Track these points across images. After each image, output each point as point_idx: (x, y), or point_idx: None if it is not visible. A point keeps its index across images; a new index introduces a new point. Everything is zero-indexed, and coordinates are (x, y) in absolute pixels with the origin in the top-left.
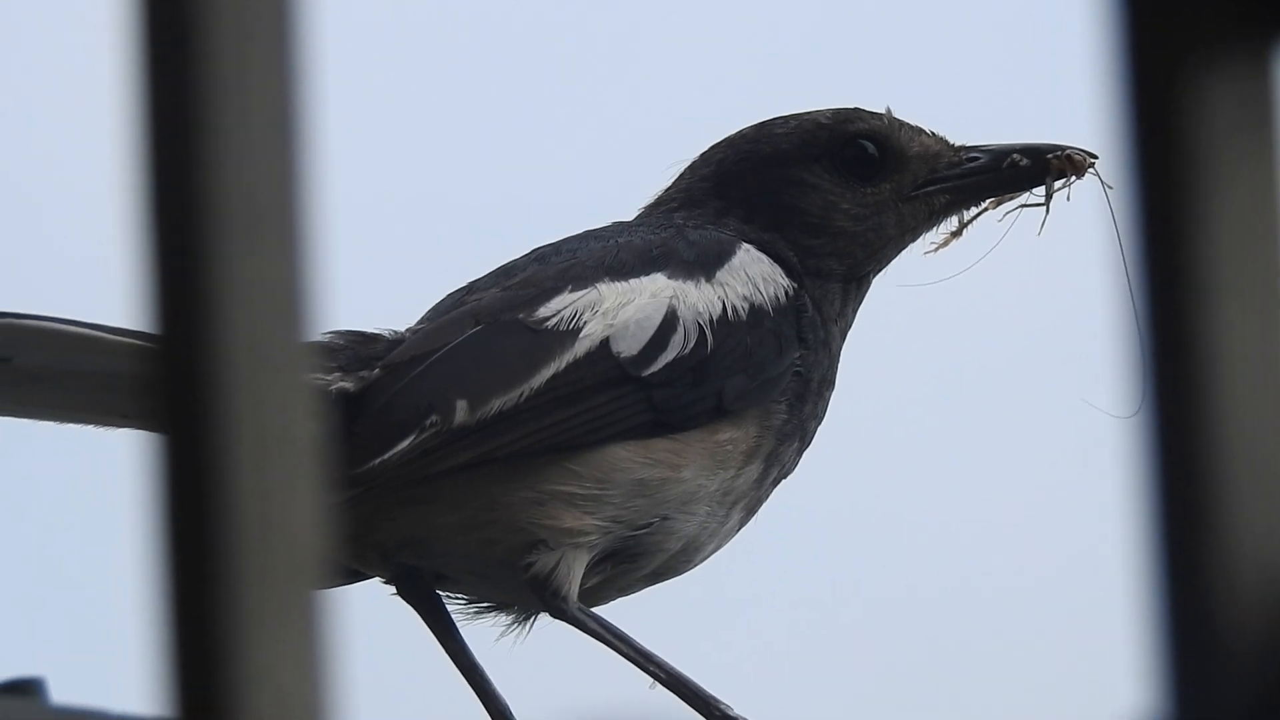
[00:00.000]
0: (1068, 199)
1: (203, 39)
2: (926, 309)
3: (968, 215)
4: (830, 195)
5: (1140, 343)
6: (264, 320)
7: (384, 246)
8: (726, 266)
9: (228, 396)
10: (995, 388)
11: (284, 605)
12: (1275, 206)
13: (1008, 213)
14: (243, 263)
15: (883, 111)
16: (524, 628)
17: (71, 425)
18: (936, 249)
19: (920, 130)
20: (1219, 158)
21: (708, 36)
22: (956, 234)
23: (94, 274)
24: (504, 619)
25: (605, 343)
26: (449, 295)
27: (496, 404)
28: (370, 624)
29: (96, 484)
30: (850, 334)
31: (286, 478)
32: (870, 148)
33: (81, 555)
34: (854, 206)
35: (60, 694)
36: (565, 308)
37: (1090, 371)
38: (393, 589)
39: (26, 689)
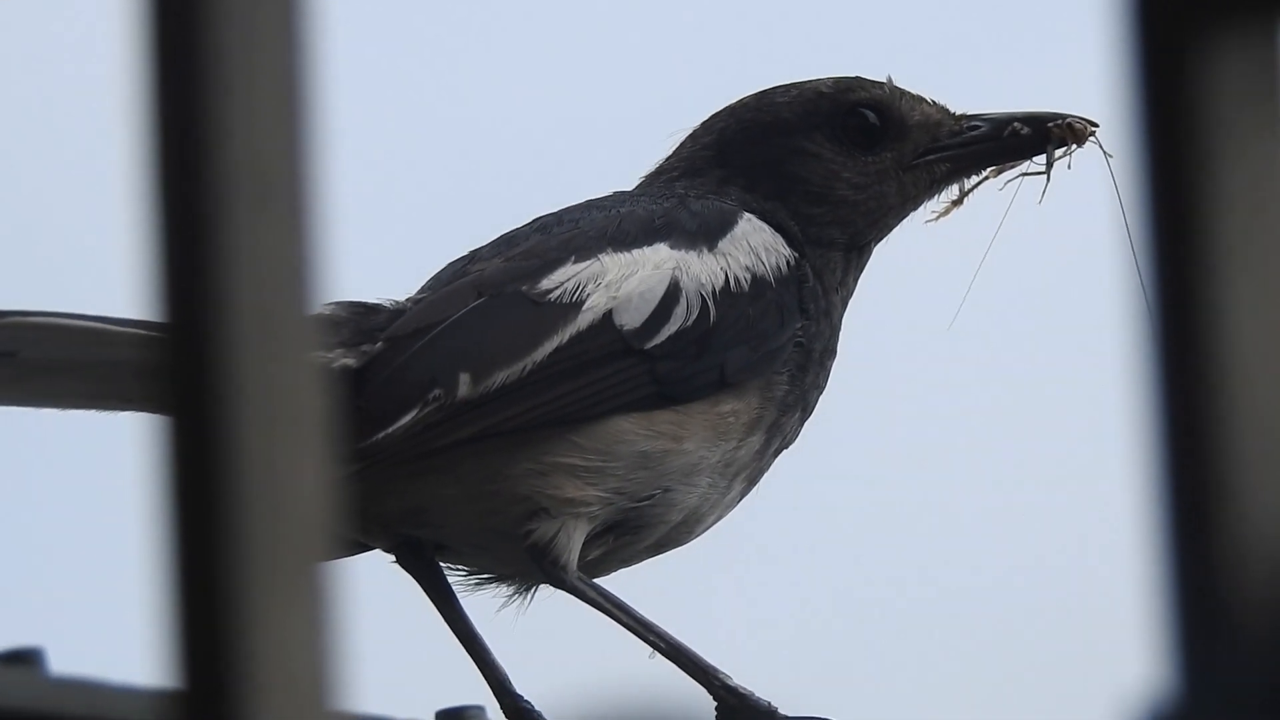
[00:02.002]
0: (1069, 167)
1: (209, 13)
2: (929, 280)
3: (969, 184)
4: (832, 164)
5: (1147, 315)
6: (271, 293)
7: (388, 216)
8: (729, 236)
9: (235, 370)
10: (1000, 366)
11: (291, 577)
12: None
13: (1008, 181)
14: (249, 235)
15: (884, 80)
16: (525, 599)
17: (74, 411)
18: (937, 218)
19: (921, 99)
20: (1227, 130)
21: (711, 3)
22: (958, 203)
23: (101, 255)
24: (505, 590)
25: (608, 315)
26: (450, 265)
27: (499, 377)
28: (375, 595)
29: (97, 455)
30: (852, 303)
31: (294, 450)
32: (871, 117)
33: (80, 526)
34: (855, 175)
35: (59, 664)
36: (568, 280)
37: (1098, 347)
38: (392, 558)
39: (25, 659)
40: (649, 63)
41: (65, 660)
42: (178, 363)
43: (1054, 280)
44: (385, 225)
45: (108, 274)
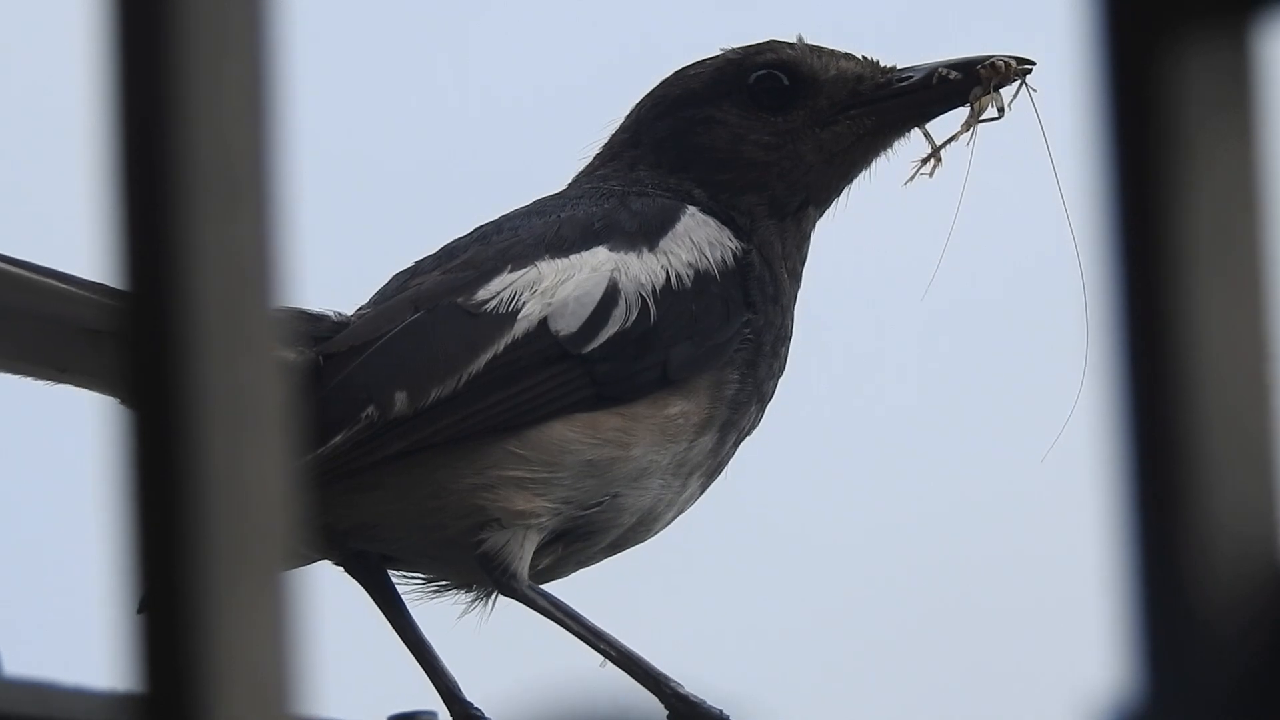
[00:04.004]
0: (1001, 112)
1: (176, 7)
2: (894, 266)
3: (936, 139)
4: (737, 128)
5: (1095, 304)
6: (237, 292)
7: (355, 216)
8: (670, 234)
9: (200, 369)
10: (962, 358)
11: (254, 579)
12: (1253, 184)
13: (972, 129)
14: (216, 234)
15: (795, 40)
16: (486, 606)
17: (6, 374)
18: (913, 176)
19: (839, 55)
20: (1197, 135)
21: None
22: (935, 159)
23: (65, 254)
24: (464, 597)
25: (544, 322)
26: (394, 277)
27: (435, 393)
28: (326, 599)
29: (50, 452)
30: (811, 282)
31: (258, 451)
32: (781, 78)
33: (34, 525)
34: (764, 136)
35: (12, 666)
36: (504, 289)
37: (1064, 339)
38: (340, 567)
39: None
40: (620, 58)
41: (18, 661)
42: (142, 361)
43: (1021, 269)
44: (351, 225)
45: (74, 258)
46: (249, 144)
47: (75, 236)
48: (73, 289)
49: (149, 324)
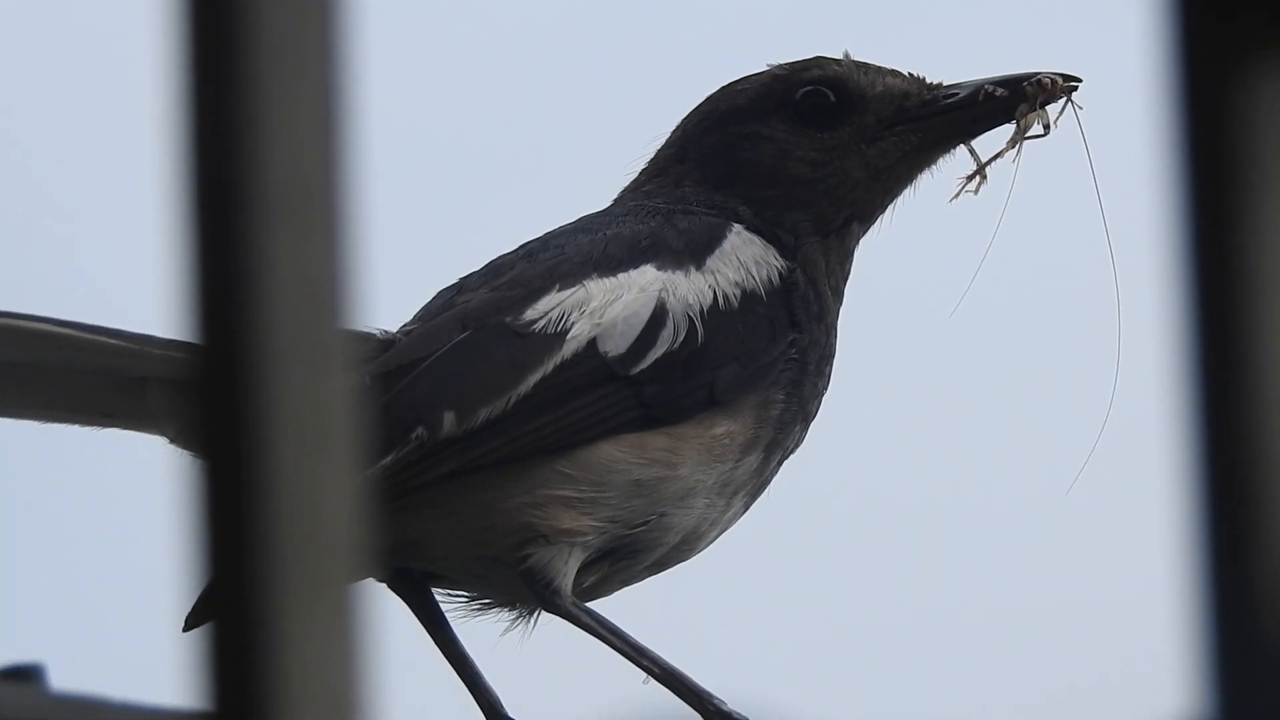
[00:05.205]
0: (1047, 128)
1: (248, 27)
2: (938, 284)
3: (984, 157)
4: (784, 144)
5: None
6: (308, 310)
7: (421, 234)
8: (717, 252)
9: (271, 387)
10: (1028, 372)
11: (324, 596)
12: None
13: (1017, 146)
14: (287, 252)
15: (842, 56)
16: (527, 625)
17: (55, 424)
18: (958, 194)
19: (885, 72)
20: (1270, 164)
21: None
22: (980, 176)
23: (136, 272)
24: (507, 615)
25: (592, 343)
26: (440, 294)
27: (484, 413)
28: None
29: (105, 466)
30: (854, 298)
31: (328, 468)
32: (828, 94)
33: (87, 542)
34: (811, 153)
35: (60, 681)
36: (553, 309)
37: (1131, 359)
38: (383, 583)
39: (26, 675)
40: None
41: (65, 676)
42: (213, 380)
43: (1069, 288)
44: (418, 241)
45: (143, 291)
46: (322, 162)
47: (148, 261)
48: (117, 342)
49: (221, 343)
